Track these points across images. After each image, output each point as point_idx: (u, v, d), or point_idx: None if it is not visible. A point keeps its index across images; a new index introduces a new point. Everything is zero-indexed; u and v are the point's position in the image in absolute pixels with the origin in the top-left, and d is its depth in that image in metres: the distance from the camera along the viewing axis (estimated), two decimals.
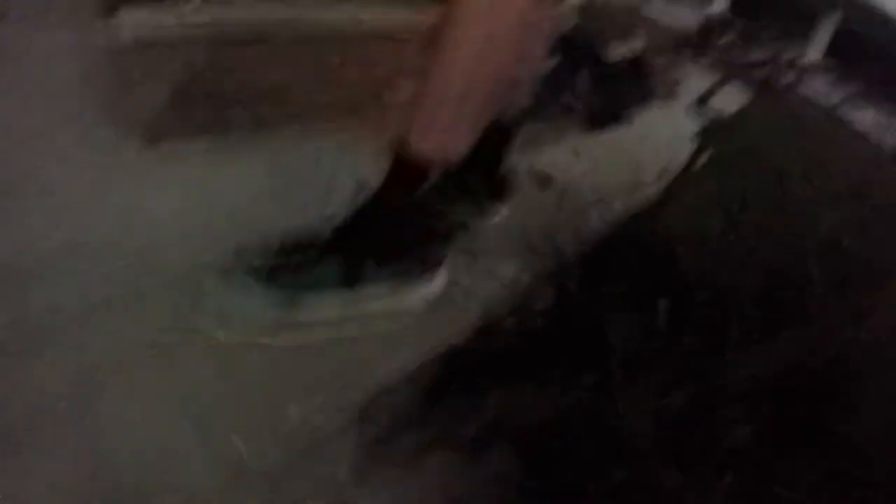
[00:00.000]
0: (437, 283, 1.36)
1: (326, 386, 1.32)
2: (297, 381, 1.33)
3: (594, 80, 2.83)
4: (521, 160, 1.89)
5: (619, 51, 2.98)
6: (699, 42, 3.70)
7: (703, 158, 2.18)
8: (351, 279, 1.23)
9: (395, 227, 1.22)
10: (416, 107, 1.17)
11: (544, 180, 1.91)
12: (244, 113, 6.68)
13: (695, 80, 3.26)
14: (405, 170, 1.20)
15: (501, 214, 1.70)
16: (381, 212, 1.21)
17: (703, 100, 2.66)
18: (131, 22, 6.89)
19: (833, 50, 3.32)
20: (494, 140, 1.47)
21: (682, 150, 2.24)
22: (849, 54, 3.31)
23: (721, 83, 2.86)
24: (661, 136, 2.65)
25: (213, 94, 6.65)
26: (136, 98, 6.38)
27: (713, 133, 2.40)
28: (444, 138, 1.17)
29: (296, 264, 1.23)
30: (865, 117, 2.91)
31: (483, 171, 1.54)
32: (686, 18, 3.81)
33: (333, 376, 1.32)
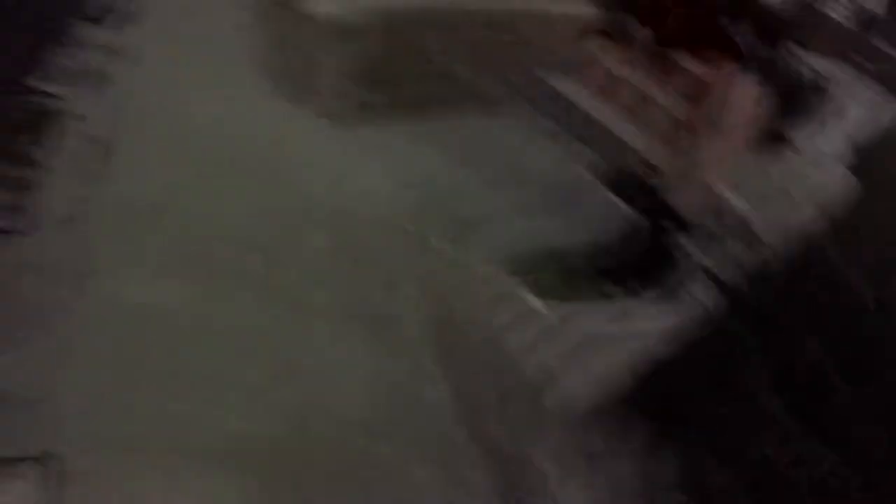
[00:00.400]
0: (668, 302, 1.78)
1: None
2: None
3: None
4: None
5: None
6: (857, 39, 3.85)
7: (864, 186, 2.44)
8: (610, 292, 1.66)
9: (650, 254, 1.64)
10: (697, 158, 1.51)
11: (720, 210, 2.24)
12: (421, 93, 7.56)
13: (859, 102, 3.45)
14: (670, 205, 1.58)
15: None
16: (642, 241, 1.62)
17: (863, 126, 2.87)
18: (317, 2, 7.70)
19: None
20: None
21: (845, 176, 2.52)
22: None
23: (882, 105, 3.03)
24: (825, 160, 2.89)
25: (390, 74, 7.53)
26: (317, 72, 7.40)
27: (874, 161, 2.61)
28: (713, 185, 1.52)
29: (570, 274, 1.65)
30: None
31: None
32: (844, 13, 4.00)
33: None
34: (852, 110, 5.21)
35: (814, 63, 5.99)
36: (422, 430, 4.47)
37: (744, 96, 5.95)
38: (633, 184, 6.39)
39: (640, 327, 4.75)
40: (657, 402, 4.50)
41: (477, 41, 7.74)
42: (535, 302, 5.11)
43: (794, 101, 4.87)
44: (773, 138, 5.98)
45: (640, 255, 5.21)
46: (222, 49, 9.31)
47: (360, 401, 4.66)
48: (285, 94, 7.49)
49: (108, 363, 4.97)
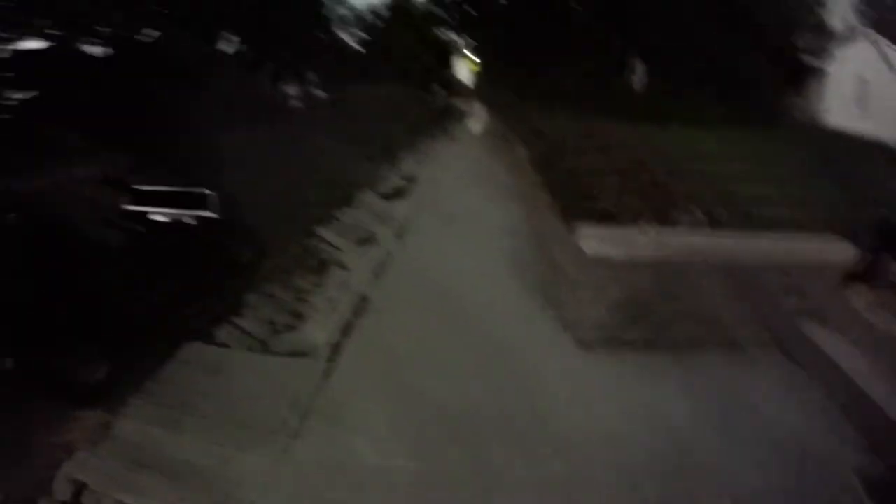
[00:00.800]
0: None
1: None
2: None
3: None
4: None
5: None
6: None
7: None
8: None
9: None
10: None
11: None
12: (679, 334, 7.32)
13: None
14: None
15: None
16: None
17: None
18: (589, 237, 8.06)
19: None
20: None
21: None
22: None
23: None
24: None
25: (652, 313, 7.46)
26: (582, 303, 7.52)
27: None
28: None
29: None
30: None
31: None
32: None
33: None
34: None
35: None
36: None
37: None
38: (887, 481, 5.42)
39: None
40: None
41: (736, 285, 7.55)
42: None
43: None
44: None
45: None
46: (486, 245, 10.00)
47: None
48: (540, 308, 7.71)
49: (308, 495, 5.01)
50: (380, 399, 5.98)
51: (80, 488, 4.99)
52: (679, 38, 24.67)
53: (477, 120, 35.28)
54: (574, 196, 11.63)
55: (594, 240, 8.16)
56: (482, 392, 6.09)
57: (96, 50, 12.91)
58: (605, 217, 10.60)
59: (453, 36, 40.01)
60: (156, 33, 13.94)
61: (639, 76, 29.27)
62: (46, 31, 12.43)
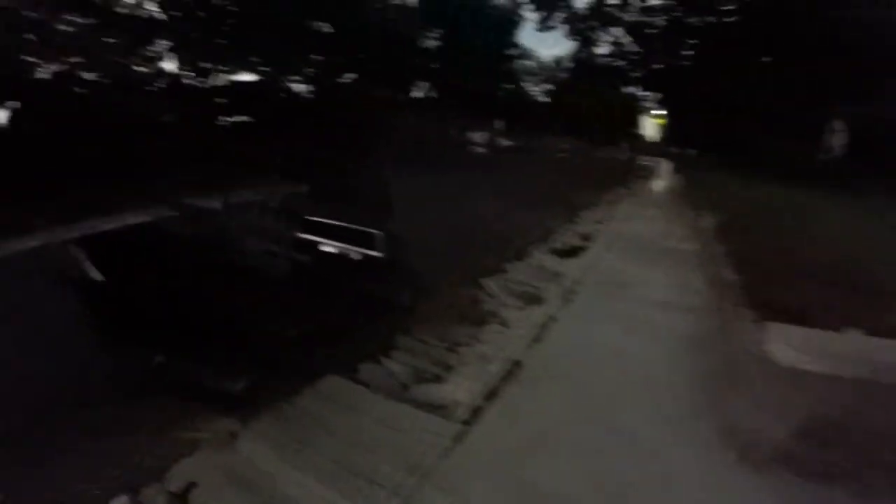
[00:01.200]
0: None
1: None
2: None
3: None
4: None
5: None
6: None
7: None
8: None
9: None
10: None
11: None
12: (870, 470, 6.00)
13: None
14: None
15: None
16: None
17: None
18: (779, 340, 6.72)
19: None
20: None
21: None
22: None
23: None
24: None
25: (842, 440, 6.08)
26: (757, 416, 6.22)
27: None
28: None
29: None
30: None
31: None
32: None
33: None
34: None
35: None
36: None
37: None
38: None
39: None
40: None
41: None
42: None
43: None
44: None
45: None
46: (657, 323, 9.08)
47: None
48: (705, 410, 6.68)
49: None
50: (505, 484, 5.34)
51: (190, 486, 5.11)
52: (886, 103, 22.07)
53: (662, 179, 33.79)
54: (764, 281, 10.30)
55: (785, 344, 6.97)
56: (616, 496, 5.28)
57: (299, 87, 14.05)
58: (801, 314, 9.13)
59: (640, 91, 39.03)
60: (353, 76, 14.80)
61: (839, 143, 26.40)
62: (259, 67, 13.78)
